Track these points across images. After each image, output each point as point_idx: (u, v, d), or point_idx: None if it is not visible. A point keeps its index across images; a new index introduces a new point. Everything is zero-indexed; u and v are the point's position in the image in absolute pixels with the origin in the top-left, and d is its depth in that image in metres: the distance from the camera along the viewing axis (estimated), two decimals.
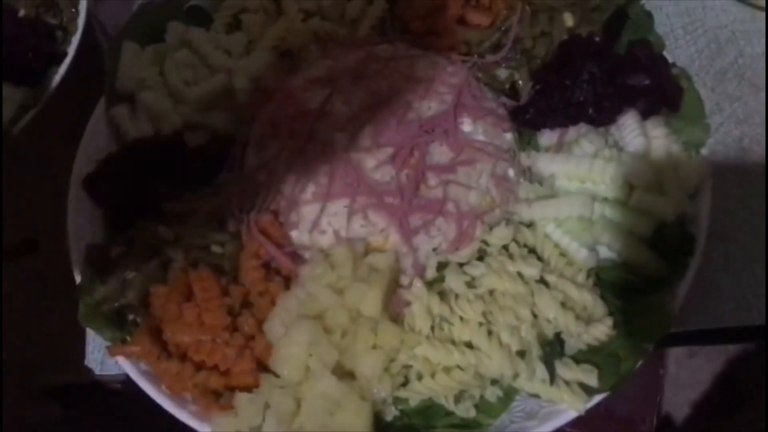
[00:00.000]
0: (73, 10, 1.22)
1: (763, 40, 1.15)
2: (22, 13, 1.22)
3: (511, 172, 0.97)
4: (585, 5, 1.04)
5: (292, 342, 0.82)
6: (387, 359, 0.82)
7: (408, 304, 0.86)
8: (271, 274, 0.89)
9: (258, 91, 1.07)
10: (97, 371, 1.05)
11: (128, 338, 0.90)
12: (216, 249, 0.92)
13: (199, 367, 0.85)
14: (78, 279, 0.95)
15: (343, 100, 0.98)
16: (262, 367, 0.85)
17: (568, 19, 1.03)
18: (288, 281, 0.89)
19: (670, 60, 1.00)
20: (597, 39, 1.01)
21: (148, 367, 0.88)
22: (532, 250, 0.92)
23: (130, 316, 0.92)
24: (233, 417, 0.82)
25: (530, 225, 0.93)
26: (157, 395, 0.87)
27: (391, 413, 0.85)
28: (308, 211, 0.92)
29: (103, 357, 1.05)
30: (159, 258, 0.91)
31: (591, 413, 0.82)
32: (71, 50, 1.16)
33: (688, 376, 1.66)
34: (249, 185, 0.97)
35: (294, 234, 0.93)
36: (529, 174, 0.98)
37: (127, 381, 0.90)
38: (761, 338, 0.99)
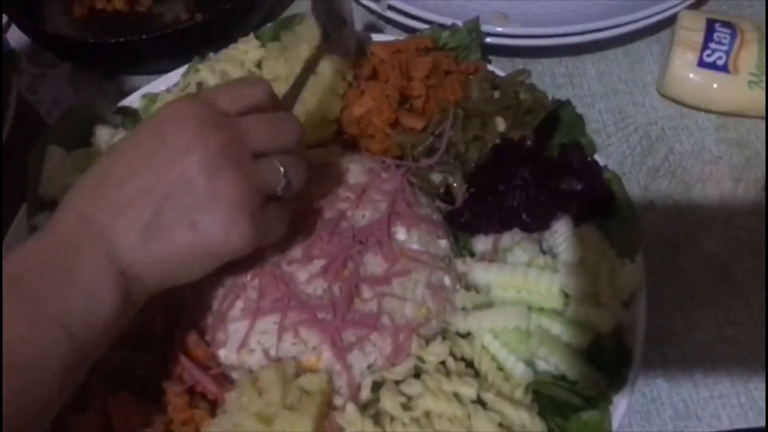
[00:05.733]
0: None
1: (692, 138, 1.17)
2: None
3: (447, 281, 0.95)
4: (517, 109, 1.05)
5: None
6: None
7: (341, 430, 0.82)
8: (195, 399, 0.85)
9: None
10: None
11: None
12: (138, 372, 0.87)
13: None
14: None
15: None
16: None
17: (500, 123, 1.03)
18: (214, 406, 0.85)
19: (605, 157, 1.01)
20: (529, 142, 1.02)
21: None
22: (470, 363, 0.89)
23: None
24: None
25: (467, 335, 0.91)
26: None
27: None
28: (236, 329, 0.89)
29: None
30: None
31: None
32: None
33: None
34: (174, 300, 0.93)
35: (221, 353, 0.89)
36: (465, 281, 0.96)
37: None
38: None
